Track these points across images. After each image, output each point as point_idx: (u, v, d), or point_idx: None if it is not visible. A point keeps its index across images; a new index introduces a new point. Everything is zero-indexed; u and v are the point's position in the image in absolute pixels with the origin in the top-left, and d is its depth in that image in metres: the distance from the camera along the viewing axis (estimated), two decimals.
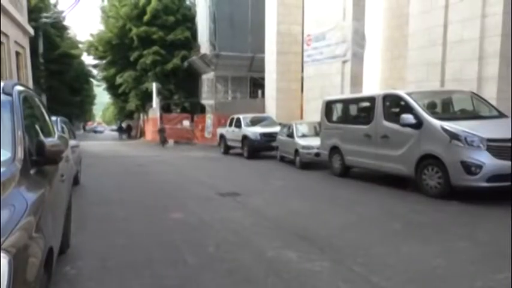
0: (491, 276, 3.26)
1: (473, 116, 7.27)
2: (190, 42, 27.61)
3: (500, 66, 8.51)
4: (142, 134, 36.99)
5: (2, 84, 2.64)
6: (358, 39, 13.27)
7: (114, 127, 57.63)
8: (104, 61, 32.05)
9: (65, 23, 30.60)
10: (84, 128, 60.45)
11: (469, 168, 5.98)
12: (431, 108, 7.35)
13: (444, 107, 8.00)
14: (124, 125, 43.19)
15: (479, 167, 5.91)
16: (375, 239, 4.41)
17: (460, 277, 3.29)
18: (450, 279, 3.26)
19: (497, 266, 3.43)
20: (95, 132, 57.70)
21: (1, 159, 2.13)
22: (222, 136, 17.04)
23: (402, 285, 3.14)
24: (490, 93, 8.50)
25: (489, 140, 5.99)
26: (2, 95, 2.52)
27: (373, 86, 14.60)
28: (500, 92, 8.54)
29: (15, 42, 13.12)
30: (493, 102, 7.92)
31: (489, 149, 5.95)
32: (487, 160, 5.90)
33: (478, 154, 5.97)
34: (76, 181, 8.21)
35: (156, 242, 4.41)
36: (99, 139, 37.81)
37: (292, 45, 18.04)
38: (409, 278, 3.27)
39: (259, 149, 14.28)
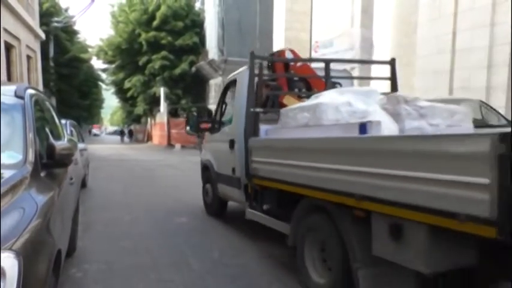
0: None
1: (482, 124, 7.22)
2: (198, 48, 27.78)
3: (509, 75, 8.46)
4: (149, 138, 37.21)
5: (14, 87, 2.68)
6: (366, 46, 13.27)
7: (111, 130, 58.94)
8: (113, 65, 32.33)
9: (76, 27, 31.01)
10: (90, 132, 59.77)
11: None
12: None
13: None
14: (126, 129, 44.33)
15: None
16: None
17: None
18: None
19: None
20: (94, 135, 57.98)
21: (12, 162, 2.17)
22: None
23: None
24: (499, 102, 8.44)
25: None
26: (14, 98, 2.56)
27: None
28: (509, 101, 8.48)
29: (27, 46, 13.31)
30: (502, 111, 7.86)
31: None
32: None
33: None
34: (83, 184, 8.27)
35: (161, 245, 4.43)
36: (105, 142, 38.04)
37: (300, 52, 18.00)
38: None
39: None
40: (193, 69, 27.40)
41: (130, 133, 43.50)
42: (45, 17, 22.53)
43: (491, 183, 1.74)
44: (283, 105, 4.34)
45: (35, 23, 14.33)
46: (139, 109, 32.15)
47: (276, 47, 18.87)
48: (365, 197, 2.46)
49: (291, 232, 3.47)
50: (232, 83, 5.36)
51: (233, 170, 4.90)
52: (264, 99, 4.49)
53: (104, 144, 33.72)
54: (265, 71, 4.67)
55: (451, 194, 1.93)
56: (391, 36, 14.79)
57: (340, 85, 4.87)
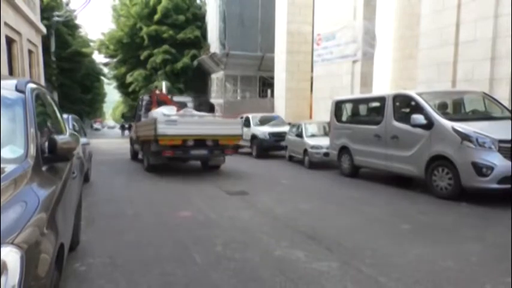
0: (500, 279, 3.23)
1: (485, 116, 7.19)
2: (200, 41, 27.70)
3: None
4: None
5: (15, 81, 2.67)
6: (369, 38, 13.19)
7: (111, 124, 67.94)
8: (115, 60, 32.33)
9: (77, 21, 30.94)
10: (91, 126, 58.82)
11: (480, 169, 5.92)
12: (442, 108, 7.28)
13: (455, 108, 7.92)
14: (126, 124, 45.28)
15: (491, 168, 5.84)
16: (383, 239, 4.38)
17: (469, 279, 3.26)
18: (459, 282, 3.23)
19: (507, 269, 3.40)
20: (95, 129, 57.49)
21: (14, 156, 2.17)
22: None
23: (410, 287, 3.12)
24: (503, 94, 8.40)
25: (501, 141, 5.92)
26: (15, 93, 2.55)
27: (383, 86, 14.51)
28: None
29: (28, 40, 13.29)
30: (506, 103, 7.82)
31: (501, 151, 5.89)
32: (498, 161, 5.84)
33: (490, 155, 5.91)
34: (86, 178, 8.29)
35: (164, 239, 4.44)
36: (106, 137, 38.08)
37: (301, 45, 18.01)
38: (418, 279, 3.25)
39: (268, 149, 14.28)
40: (195, 63, 27.34)
41: (130, 127, 43.88)
42: (47, 11, 22.51)
43: (154, 127, 8.96)
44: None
45: (36, 17, 14.29)
46: None
47: (277, 41, 18.83)
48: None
49: (143, 154, 11.26)
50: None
51: (137, 136, 11.64)
52: (145, 108, 12.27)
53: (105, 138, 33.76)
54: (147, 97, 12.95)
55: (150, 132, 9.52)
56: (394, 28, 14.71)
57: (186, 104, 12.30)
